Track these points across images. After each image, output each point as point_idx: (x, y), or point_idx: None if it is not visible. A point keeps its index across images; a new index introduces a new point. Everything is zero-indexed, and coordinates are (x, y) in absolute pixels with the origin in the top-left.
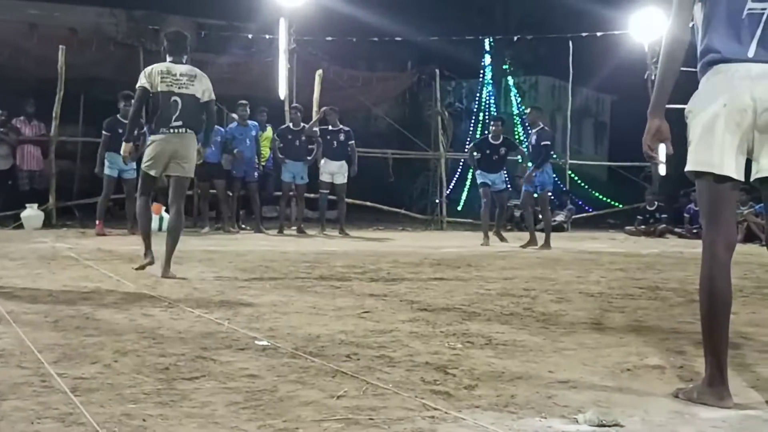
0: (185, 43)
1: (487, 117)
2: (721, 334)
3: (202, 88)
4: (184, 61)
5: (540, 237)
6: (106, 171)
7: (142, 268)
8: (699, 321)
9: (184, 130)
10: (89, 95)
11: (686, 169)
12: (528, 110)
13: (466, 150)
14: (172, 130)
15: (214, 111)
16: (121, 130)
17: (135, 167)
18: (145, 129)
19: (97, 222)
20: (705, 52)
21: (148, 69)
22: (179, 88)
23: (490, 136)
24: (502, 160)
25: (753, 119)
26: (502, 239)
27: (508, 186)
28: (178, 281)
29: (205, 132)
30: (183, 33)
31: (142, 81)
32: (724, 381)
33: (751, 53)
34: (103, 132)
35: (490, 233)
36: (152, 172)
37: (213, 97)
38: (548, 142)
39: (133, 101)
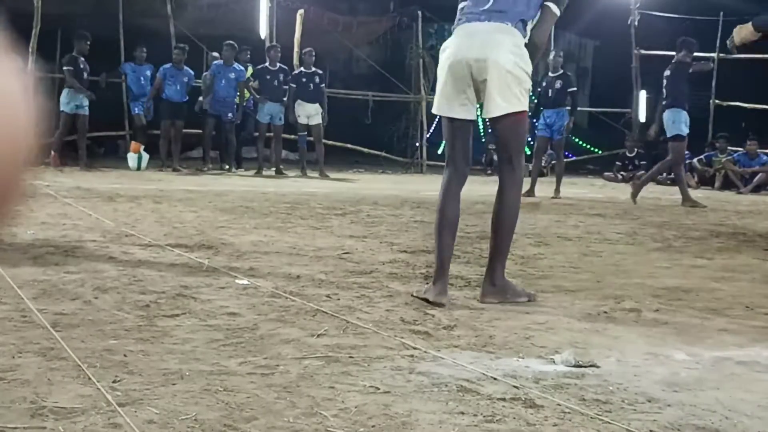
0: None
1: None
2: (443, 244)
3: None
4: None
5: (540, 184)
6: (64, 108)
7: None
8: (677, 266)
9: None
10: (66, 32)
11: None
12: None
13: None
14: None
15: None
16: (82, 67)
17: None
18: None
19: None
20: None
21: None
22: None
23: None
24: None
25: (469, 71)
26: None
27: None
28: (157, 221)
29: None
30: None
31: None
32: (443, 278)
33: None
34: (66, 68)
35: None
36: None
37: None
38: (575, 89)
39: None
